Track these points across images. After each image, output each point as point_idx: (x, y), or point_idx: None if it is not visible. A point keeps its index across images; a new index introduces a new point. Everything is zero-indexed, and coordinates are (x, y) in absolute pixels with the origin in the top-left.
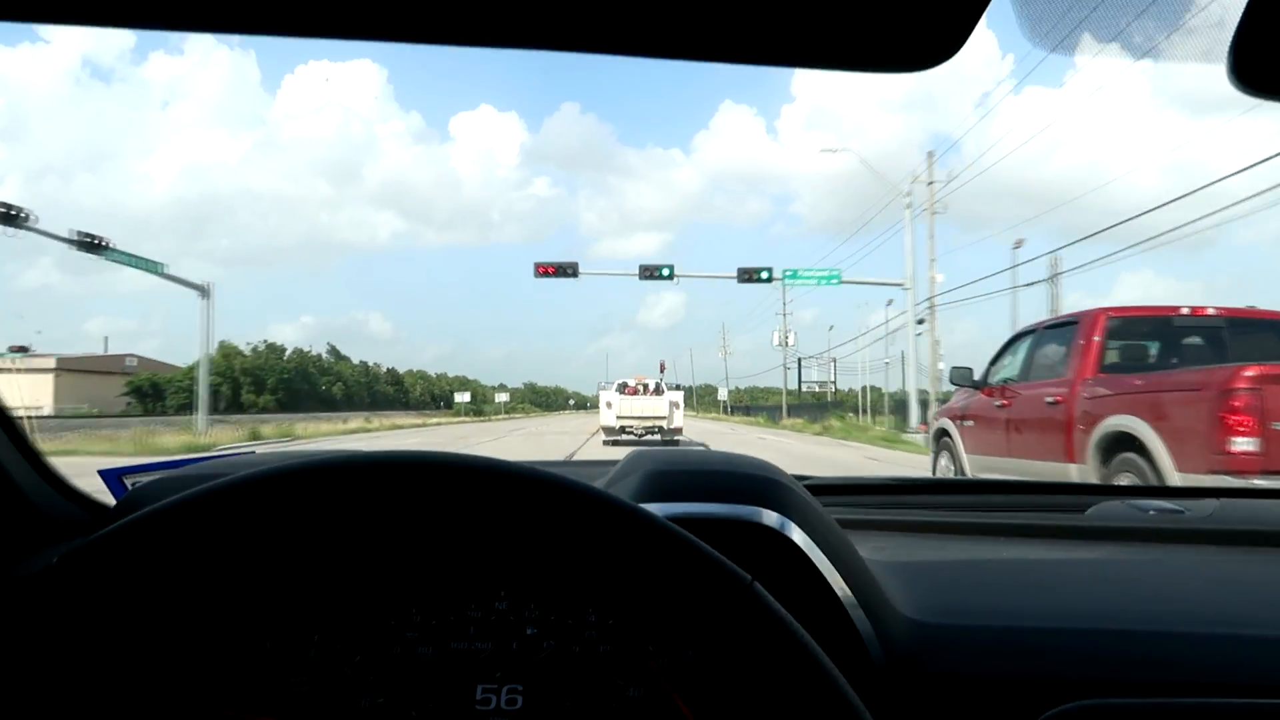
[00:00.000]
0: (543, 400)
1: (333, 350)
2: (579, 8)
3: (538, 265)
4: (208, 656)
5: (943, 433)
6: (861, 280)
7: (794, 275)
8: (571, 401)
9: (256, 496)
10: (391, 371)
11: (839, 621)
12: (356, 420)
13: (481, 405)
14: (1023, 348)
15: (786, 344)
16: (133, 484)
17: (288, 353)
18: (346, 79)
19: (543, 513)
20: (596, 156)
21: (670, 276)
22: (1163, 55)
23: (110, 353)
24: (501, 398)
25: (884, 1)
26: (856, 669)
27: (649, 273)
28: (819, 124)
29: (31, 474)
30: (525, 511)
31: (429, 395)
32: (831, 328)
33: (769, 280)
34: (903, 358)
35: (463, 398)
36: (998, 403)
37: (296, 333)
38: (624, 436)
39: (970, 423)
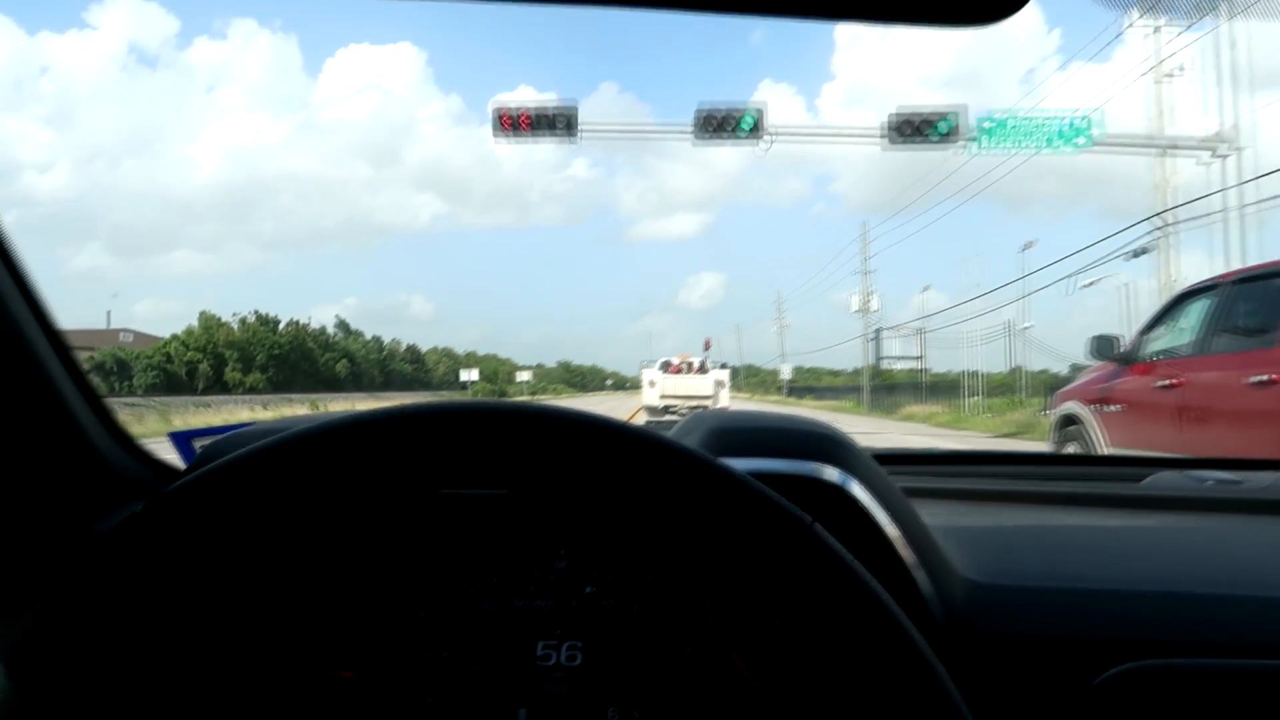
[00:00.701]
0: (577, 380)
1: (341, 324)
2: None
3: (500, 113)
4: (277, 609)
5: (1070, 420)
6: (1127, 141)
7: (999, 128)
8: (609, 382)
9: (327, 446)
10: (412, 349)
11: (900, 580)
12: (340, 403)
13: (504, 385)
14: (1196, 309)
15: (868, 308)
16: (200, 446)
17: (282, 325)
18: (387, 61)
19: (607, 458)
20: (635, 136)
21: (753, 129)
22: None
23: (111, 327)
24: (523, 377)
25: None
26: (917, 627)
27: (715, 124)
28: (860, 101)
29: (105, 435)
30: (591, 456)
31: (454, 375)
32: (926, 288)
33: (946, 133)
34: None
35: (469, 375)
36: (1159, 382)
37: (340, 313)
38: (667, 417)
39: (1116, 407)
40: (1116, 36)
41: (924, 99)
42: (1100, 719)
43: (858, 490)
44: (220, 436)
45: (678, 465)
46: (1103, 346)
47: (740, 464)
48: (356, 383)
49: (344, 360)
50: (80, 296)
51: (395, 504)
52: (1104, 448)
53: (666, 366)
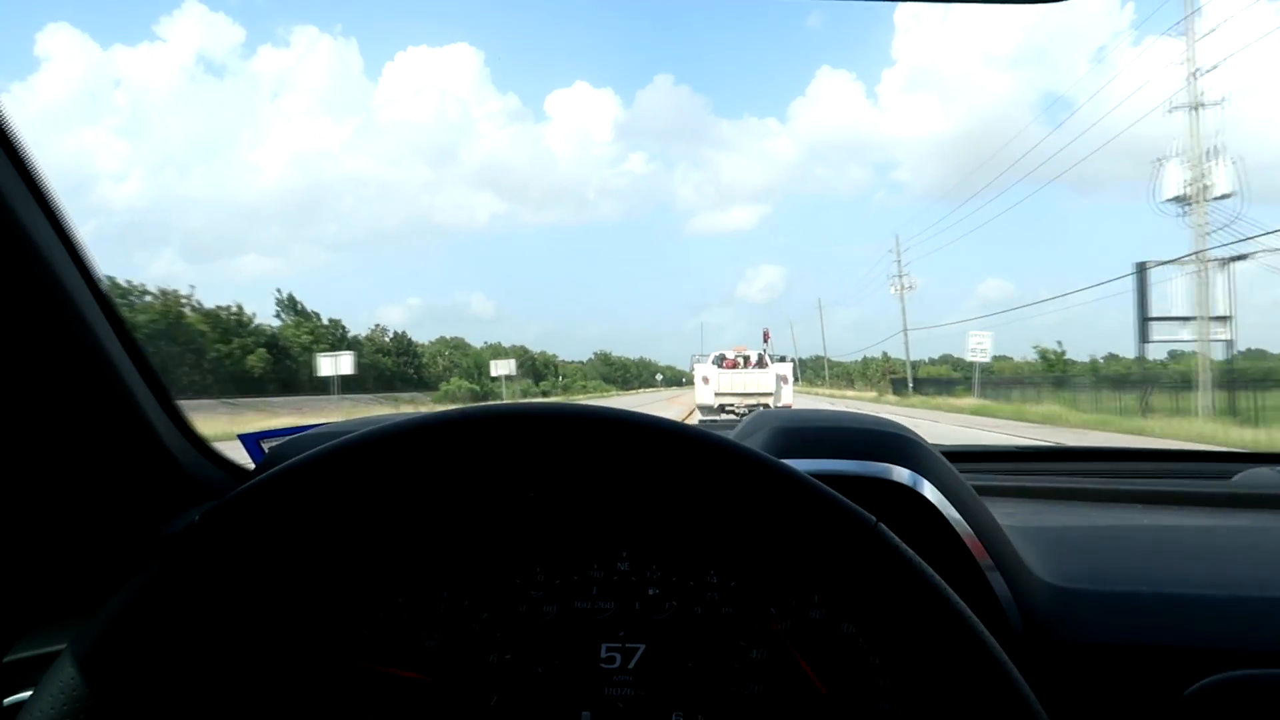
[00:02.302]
0: (619, 375)
1: (287, 304)
2: None
3: None
4: (344, 610)
5: None
6: None
7: None
8: (660, 377)
9: (387, 450)
10: (400, 338)
11: (975, 584)
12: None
13: (485, 383)
14: None
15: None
16: (269, 447)
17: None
18: (443, 62)
19: (669, 462)
20: (691, 129)
21: None
22: None
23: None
24: (500, 370)
25: None
26: (995, 634)
27: None
28: (921, 85)
29: (179, 437)
30: (654, 461)
31: (457, 370)
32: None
33: None
34: None
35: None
36: None
37: (403, 315)
38: (724, 416)
39: None
40: (1195, 10)
41: (988, 81)
42: None
43: (929, 490)
44: (288, 438)
45: (739, 467)
46: None
47: (807, 465)
48: (313, 383)
49: (256, 353)
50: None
51: (458, 506)
52: None
53: (721, 361)
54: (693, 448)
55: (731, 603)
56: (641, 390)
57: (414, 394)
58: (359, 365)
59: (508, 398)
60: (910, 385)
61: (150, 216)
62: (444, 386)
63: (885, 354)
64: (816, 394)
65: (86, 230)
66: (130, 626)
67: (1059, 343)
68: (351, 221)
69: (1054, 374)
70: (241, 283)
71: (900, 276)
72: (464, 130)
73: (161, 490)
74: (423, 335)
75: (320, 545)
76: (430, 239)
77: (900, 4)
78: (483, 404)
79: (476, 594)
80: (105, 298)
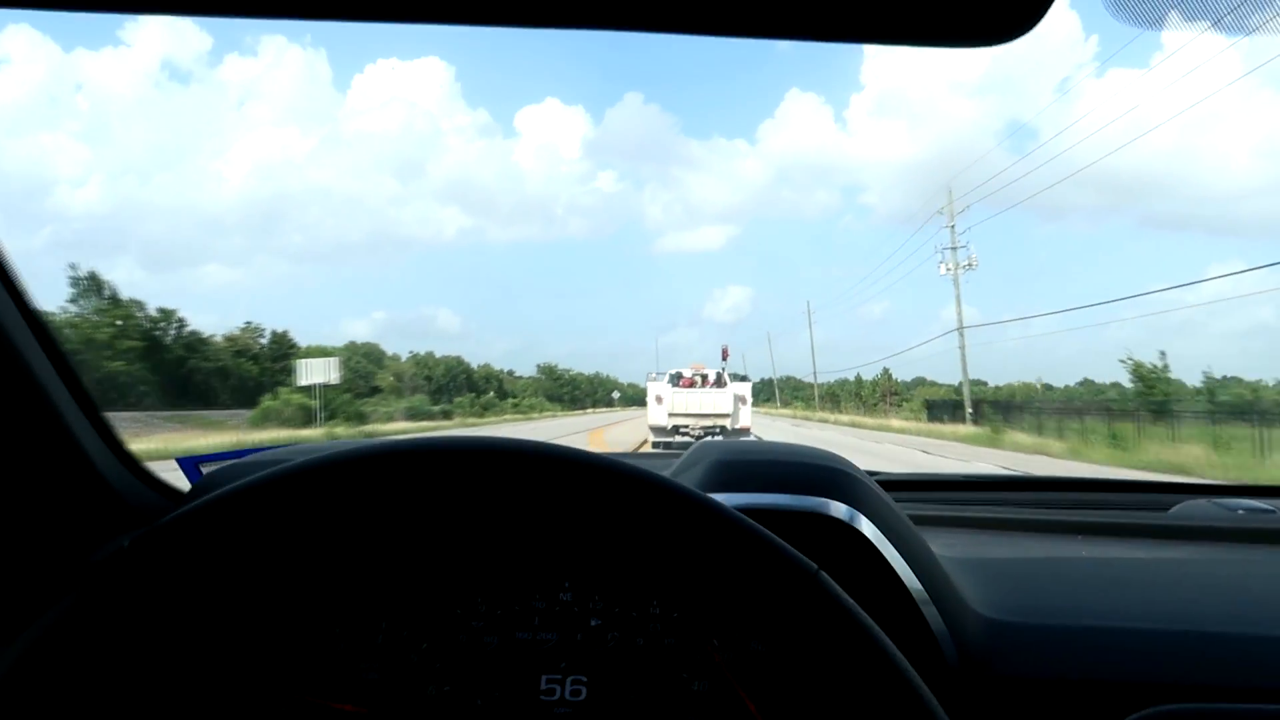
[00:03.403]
0: (567, 392)
1: (87, 285)
2: None
3: None
4: (278, 642)
5: None
6: None
7: None
8: (617, 394)
9: (322, 481)
10: (282, 339)
11: (911, 618)
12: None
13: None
14: None
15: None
16: (206, 471)
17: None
18: (414, 76)
19: (609, 501)
20: (660, 148)
21: None
22: (1258, 30)
23: None
24: (315, 376)
25: None
26: (929, 668)
27: None
28: (889, 110)
29: (112, 459)
30: (592, 499)
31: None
32: None
33: None
34: None
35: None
36: None
37: (368, 328)
38: (677, 439)
39: None
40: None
41: (955, 107)
42: None
43: (865, 526)
44: (228, 463)
45: (681, 509)
46: None
47: (746, 499)
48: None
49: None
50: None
51: (396, 535)
52: None
53: (677, 379)
54: (633, 487)
55: (674, 634)
56: (592, 410)
57: (230, 412)
58: (200, 369)
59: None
60: (970, 411)
61: (109, 223)
62: (266, 402)
63: (886, 370)
64: (834, 424)
65: (42, 236)
66: (46, 658)
67: (1162, 354)
68: (317, 233)
69: (1153, 397)
70: (202, 293)
71: (954, 249)
72: (433, 144)
73: (91, 513)
74: (389, 349)
75: (253, 575)
76: (396, 252)
77: (847, 43)
78: (423, 436)
79: (416, 624)
80: (28, 307)
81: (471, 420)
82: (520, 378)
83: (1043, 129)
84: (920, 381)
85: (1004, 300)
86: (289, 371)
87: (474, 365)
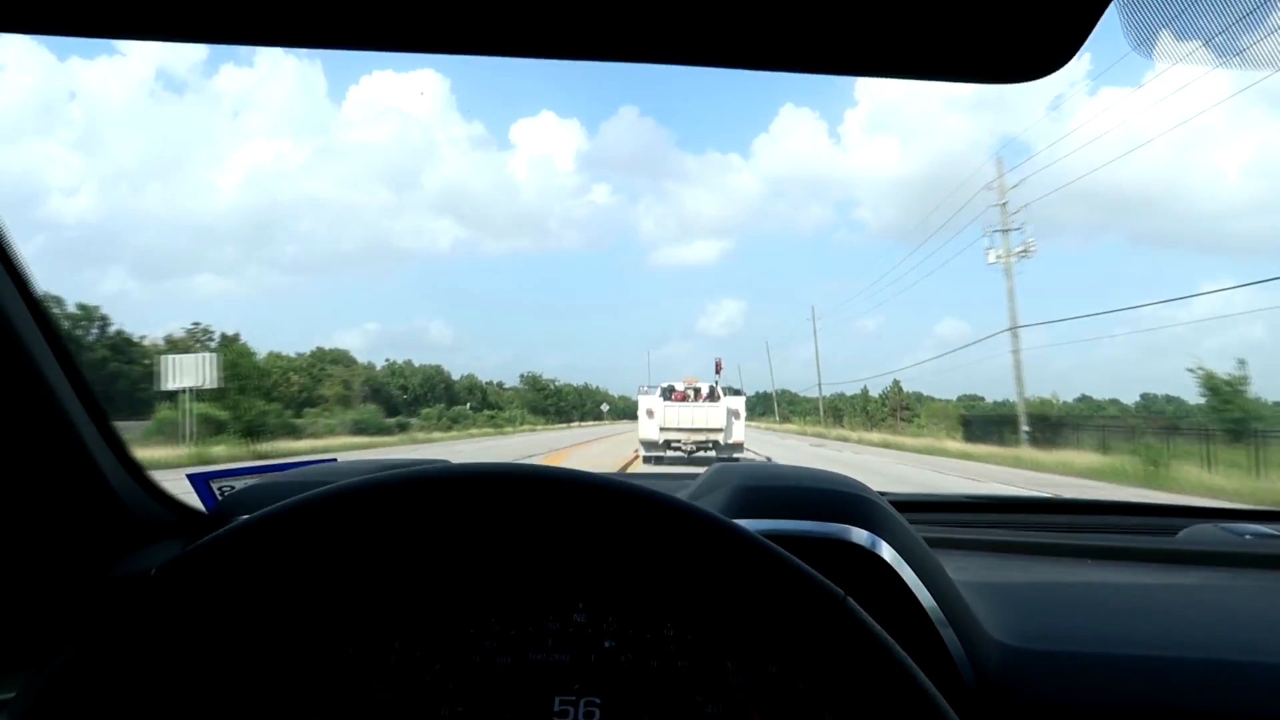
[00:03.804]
0: (551, 403)
1: None
2: (664, 18)
3: None
4: (294, 662)
5: None
6: None
7: None
8: (606, 407)
9: (346, 509)
10: (231, 345)
11: (930, 643)
12: None
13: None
14: None
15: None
16: (219, 489)
17: None
18: (409, 88)
19: (630, 526)
20: (654, 162)
21: None
22: (1254, 61)
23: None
24: (185, 378)
25: (1000, 13)
26: (950, 695)
27: None
28: (883, 126)
29: (125, 477)
30: (612, 525)
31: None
32: None
33: None
34: None
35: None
36: None
37: (360, 339)
38: (669, 454)
39: None
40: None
41: (949, 124)
42: None
43: (886, 552)
44: (239, 479)
45: (710, 536)
46: None
47: (767, 525)
48: None
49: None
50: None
51: (414, 558)
52: None
53: (669, 393)
54: (656, 512)
55: (688, 656)
56: (579, 424)
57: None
58: (126, 374)
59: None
60: (1025, 429)
61: (101, 232)
62: (163, 412)
63: (896, 383)
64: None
65: (34, 245)
66: (75, 687)
67: (1241, 363)
68: (309, 244)
69: (1228, 413)
70: (195, 302)
71: (1005, 231)
72: (427, 155)
73: (107, 531)
74: (380, 361)
75: (274, 599)
76: (389, 264)
77: (865, 76)
78: (445, 464)
79: (429, 645)
80: (51, 328)
81: (437, 435)
82: (509, 389)
83: (1036, 145)
84: (917, 397)
85: (997, 317)
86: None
87: (456, 376)
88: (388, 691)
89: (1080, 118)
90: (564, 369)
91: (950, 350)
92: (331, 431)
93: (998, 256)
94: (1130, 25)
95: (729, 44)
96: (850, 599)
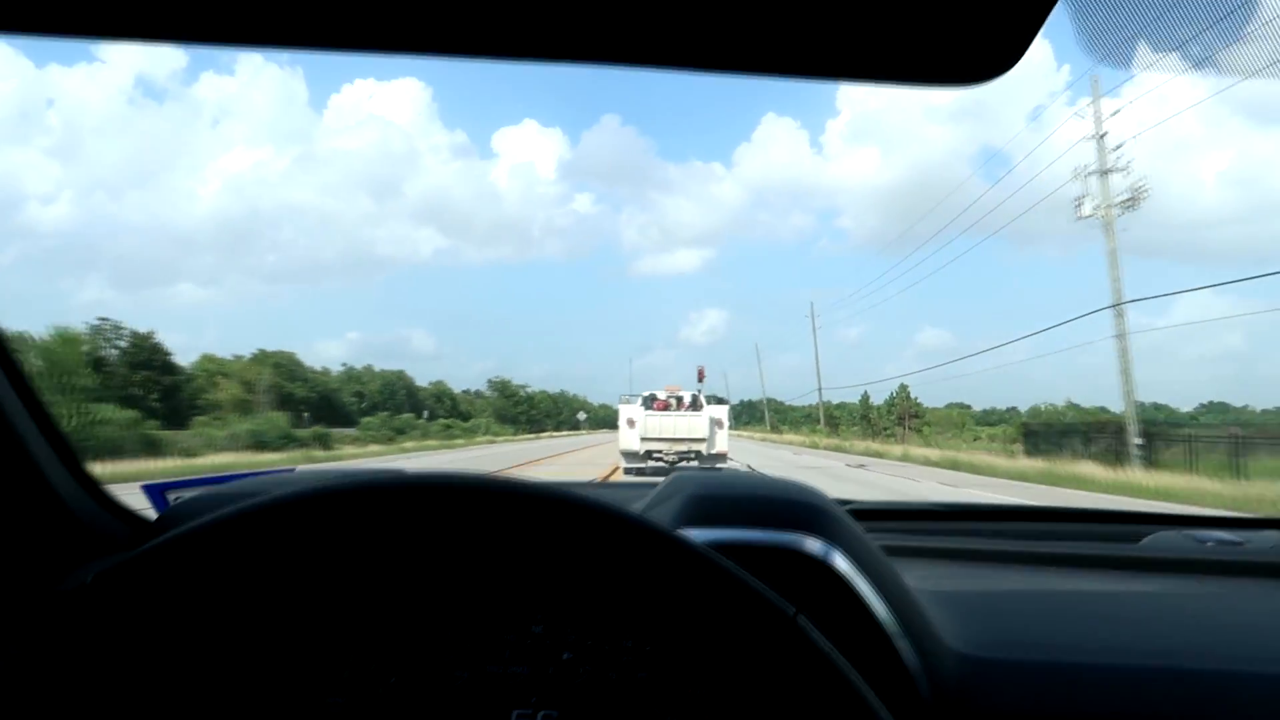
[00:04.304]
0: (522, 412)
1: None
2: (638, 21)
3: None
4: (241, 674)
5: None
6: None
7: None
8: (583, 415)
9: (291, 517)
10: (142, 344)
11: (885, 654)
12: None
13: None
14: None
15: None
16: (174, 498)
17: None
18: (391, 96)
19: (580, 538)
20: (637, 171)
21: None
22: (1224, 67)
23: None
24: None
25: (941, 16)
26: (904, 704)
27: None
28: (864, 135)
29: (75, 486)
30: (563, 537)
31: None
32: None
33: None
34: None
35: None
36: None
37: (342, 349)
38: (651, 464)
39: None
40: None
41: (930, 133)
42: None
43: (840, 561)
44: (196, 490)
45: (657, 548)
46: None
47: (720, 535)
48: None
49: None
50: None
51: (359, 568)
52: None
53: (651, 402)
54: (603, 524)
55: (647, 668)
56: (551, 434)
57: None
58: None
59: None
60: (1137, 441)
61: (79, 240)
62: None
63: (904, 387)
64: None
65: (10, 254)
66: (5, 695)
67: None
68: (290, 253)
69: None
70: (173, 311)
71: (1102, 173)
72: (409, 164)
73: (57, 544)
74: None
75: (219, 608)
76: (371, 273)
77: (829, 81)
78: (393, 472)
79: (385, 656)
80: None
81: (349, 451)
82: (484, 396)
83: (1015, 156)
84: (916, 406)
85: (976, 326)
86: (149, 383)
87: (424, 383)
88: (341, 705)
89: (1060, 128)
90: (546, 378)
91: (998, 345)
92: (213, 446)
93: (1095, 208)
94: (1083, 32)
95: (683, 45)
96: (801, 616)
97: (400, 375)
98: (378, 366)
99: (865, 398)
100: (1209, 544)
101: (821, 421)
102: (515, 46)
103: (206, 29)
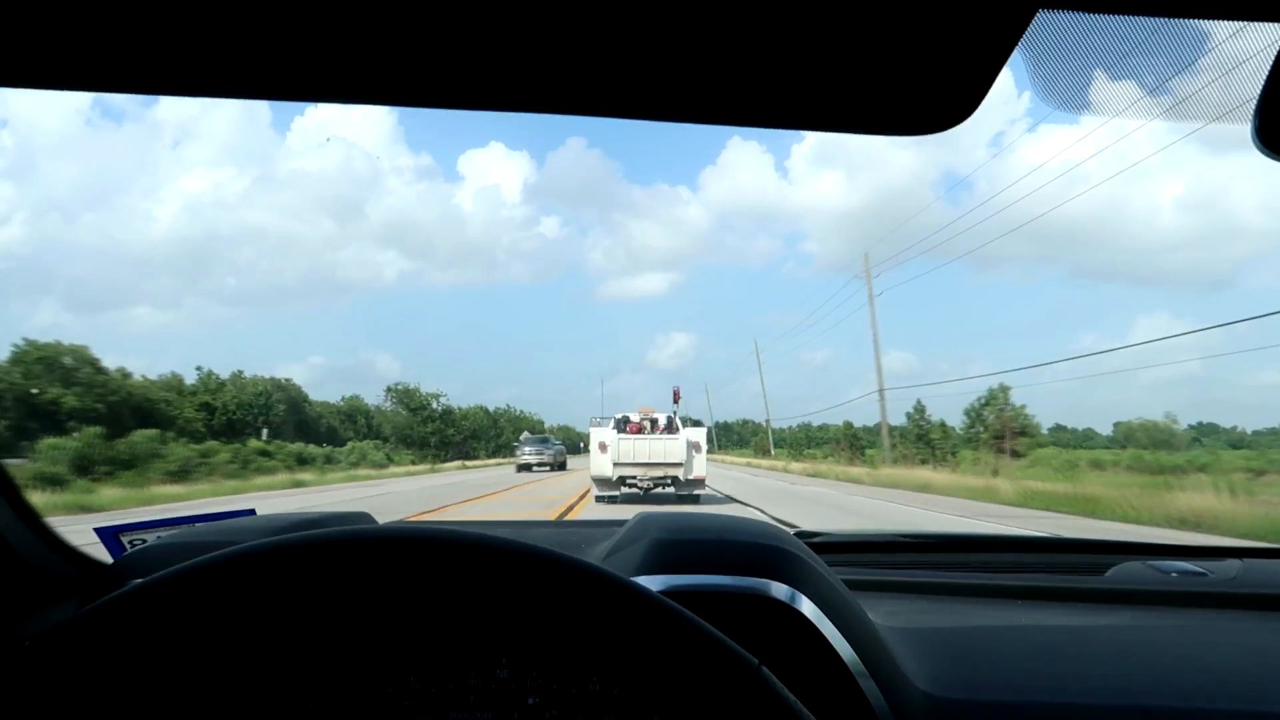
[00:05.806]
0: (433, 433)
1: None
2: (606, 75)
3: None
4: None
5: None
6: None
7: None
8: (526, 435)
9: (252, 571)
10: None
11: (852, 697)
12: None
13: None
14: None
15: None
16: (130, 542)
17: None
18: (356, 120)
19: (540, 590)
20: (603, 194)
21: None
22: (1182, 116)
23: None
24: None
25: (900, 71)
26: None
27: None
28: (829, 159)
29: (25, 532)
30: (524, 589)
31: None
32: None
33: None
34: None
35: None
36: None
37: (305, 373)
38: (624, 491)
39: None
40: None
41: (894, 157)
42: None
43: (806, 607)
44: (149, 534)
45: (617, 599)
46: None
47: (685, 581)
48: None
49: None
50: None
51: (320, 619)
52: None
53: (624, 425)
54: (560, 575)
55: (613, 712)
56: (479, 464)
57: None
58: None
59: None
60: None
61: (32, 263)
62: None
63: (920, 403)
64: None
65: None
66: None
67: None
68: (250, 276)
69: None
70: (131, 336)
71: None
72: (372, 186)
73: (8, 588)
74: (326, 395)
75: (171, 667)
76: (334, 296)
77: (794, 130)
78: (357, 527)
79: (344, 704)
80: None
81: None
82: (383, 410)
83: (977, 181)
84: (917, 426)
85: (939, 350)
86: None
87: (338, 399)
88: None
89: (1019, 154)
90: (514, 401)
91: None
92: None
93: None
94: (1039, 79)
95: (650, 98)
96: (764, 668)
97: (281, 385)
98: (248, 373)
99: (920, 407)
100: (1173, 575)
101: (771, 444)
102: (484, 99)
103: (183, 83)
